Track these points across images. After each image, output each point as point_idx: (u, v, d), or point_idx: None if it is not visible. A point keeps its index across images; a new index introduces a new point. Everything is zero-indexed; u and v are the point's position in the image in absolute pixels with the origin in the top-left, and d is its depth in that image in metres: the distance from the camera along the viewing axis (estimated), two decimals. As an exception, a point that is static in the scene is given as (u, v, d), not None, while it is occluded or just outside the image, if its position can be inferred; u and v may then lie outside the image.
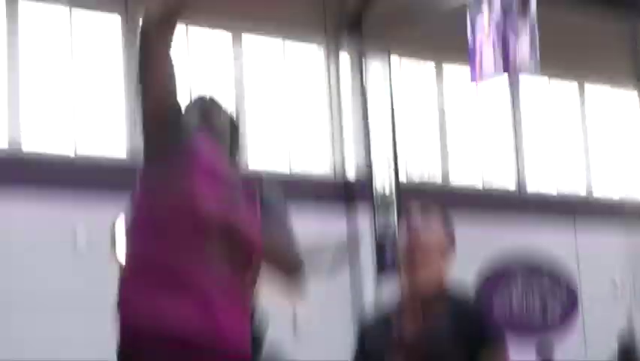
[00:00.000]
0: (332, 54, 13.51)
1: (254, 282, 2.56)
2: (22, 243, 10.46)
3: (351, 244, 12.41)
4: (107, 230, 10.39)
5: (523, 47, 11.43)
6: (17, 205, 10.55)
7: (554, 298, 14.79)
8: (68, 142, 11.47)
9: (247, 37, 12.92)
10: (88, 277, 10.33)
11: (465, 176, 14.77)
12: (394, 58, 13.82)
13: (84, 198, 10.91)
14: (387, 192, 13.16)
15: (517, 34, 11.42)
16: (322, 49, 13.51)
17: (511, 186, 15.25)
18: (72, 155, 11.47)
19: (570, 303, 14.73)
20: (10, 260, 10.17)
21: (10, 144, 11.02)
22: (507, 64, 11.40)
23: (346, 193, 13.22)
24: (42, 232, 10.61)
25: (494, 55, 11.47)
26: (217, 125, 2.67)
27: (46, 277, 10.27)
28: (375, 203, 13.11)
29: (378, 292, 12.58)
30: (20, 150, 11.09)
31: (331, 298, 12.07)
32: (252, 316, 2.99)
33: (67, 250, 10.68)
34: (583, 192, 16.02)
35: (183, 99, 2.55)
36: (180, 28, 12.06)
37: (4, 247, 10.19)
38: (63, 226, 10.71)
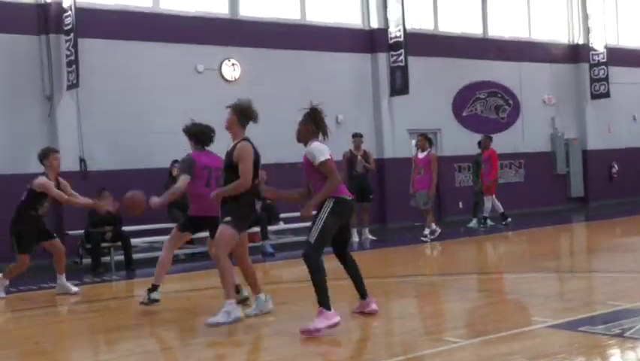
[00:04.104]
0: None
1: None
2: (166, 73, 15.87)
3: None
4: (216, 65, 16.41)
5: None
6: (154, 50, 15.67)
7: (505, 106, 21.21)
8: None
9: None
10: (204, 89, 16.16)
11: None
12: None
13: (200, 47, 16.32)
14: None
15: None
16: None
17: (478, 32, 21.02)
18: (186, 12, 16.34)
19: (515, 110, 21.33)
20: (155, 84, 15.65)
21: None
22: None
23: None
24: (173, 67, 16.02)
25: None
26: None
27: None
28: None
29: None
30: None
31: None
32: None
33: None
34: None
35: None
36: None
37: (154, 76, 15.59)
38: (188, 62, 16.18)
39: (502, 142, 20.28)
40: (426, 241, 14.80)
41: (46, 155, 10.22)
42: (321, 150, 7.08)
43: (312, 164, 7.11)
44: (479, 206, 17.57)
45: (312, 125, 7.17)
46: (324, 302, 6.83)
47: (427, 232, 15.02)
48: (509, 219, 17.21)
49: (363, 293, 7.56)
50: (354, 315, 7.43)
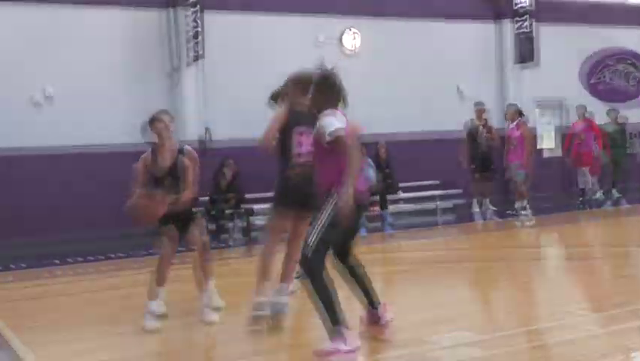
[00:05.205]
0: None
1: None
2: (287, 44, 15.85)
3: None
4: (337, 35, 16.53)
5: None
6: (275, 21, 15.98)
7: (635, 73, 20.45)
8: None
9: None
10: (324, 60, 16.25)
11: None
12: None
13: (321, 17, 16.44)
14: None
15: None
16: None
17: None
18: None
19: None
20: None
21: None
22: None
23: None
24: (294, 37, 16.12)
25: None
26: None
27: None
28: None
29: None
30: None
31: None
32: None
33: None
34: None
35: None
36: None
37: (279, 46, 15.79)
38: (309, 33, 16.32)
39: (632, 111, 19.41)
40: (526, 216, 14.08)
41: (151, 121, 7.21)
42: (332, 121, 5.37)
43: (320, 139, 5.40)
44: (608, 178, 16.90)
45: (325, 92, 5.56)
46: (337, 320, 5.12)
47: (519, 205, 14.14)
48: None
49: (373, 301, 5.73)
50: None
